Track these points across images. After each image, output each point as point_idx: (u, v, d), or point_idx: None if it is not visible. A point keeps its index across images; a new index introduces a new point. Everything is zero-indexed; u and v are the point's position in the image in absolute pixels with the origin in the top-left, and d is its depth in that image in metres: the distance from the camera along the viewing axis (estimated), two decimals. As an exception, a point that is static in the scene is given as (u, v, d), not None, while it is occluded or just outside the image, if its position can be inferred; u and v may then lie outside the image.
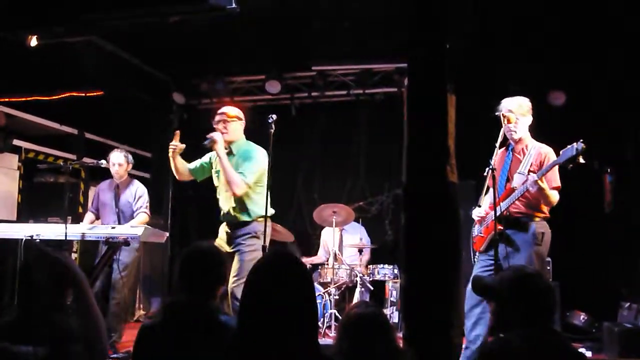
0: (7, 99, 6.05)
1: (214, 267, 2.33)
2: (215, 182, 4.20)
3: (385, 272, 5.75)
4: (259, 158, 4.00)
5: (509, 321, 2.07)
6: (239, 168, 3.95)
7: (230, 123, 4.05)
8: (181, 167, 4.16)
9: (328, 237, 6.09)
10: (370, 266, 5.88)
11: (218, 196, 4.15)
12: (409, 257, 2.62)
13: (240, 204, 3.97)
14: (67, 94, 7.18)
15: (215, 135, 3.94)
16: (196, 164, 4.24)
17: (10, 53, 5.33)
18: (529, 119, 3.85)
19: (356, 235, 6.18)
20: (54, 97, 7.11)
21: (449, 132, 2.65)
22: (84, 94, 7.16)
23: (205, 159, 4.26)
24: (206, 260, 2.33)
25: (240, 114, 4.15)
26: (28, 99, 6.67)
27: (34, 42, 4.84)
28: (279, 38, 5.89)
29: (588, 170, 5.37)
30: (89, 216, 5.13)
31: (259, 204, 3.96)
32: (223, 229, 4.12)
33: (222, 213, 4.11)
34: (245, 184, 3.89)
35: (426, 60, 2.68)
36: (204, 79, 6.87)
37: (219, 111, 4.13)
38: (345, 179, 6.80)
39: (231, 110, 4.13)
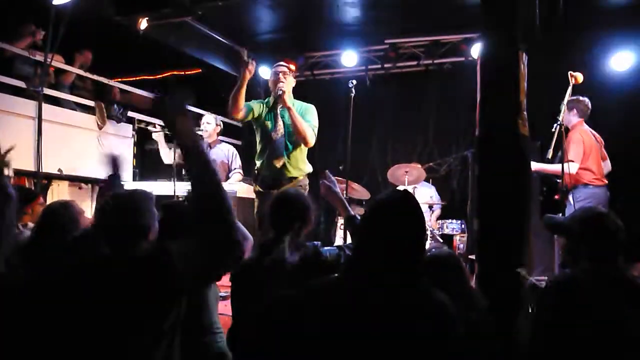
0: (122, 78, 6.43)
1: (300, 209, 2.30)
2: (258, 137, 3.90)
3: (453, 226, 5.72)
4: (316, 113, 3.83)
5: (578, 257, 2.05)
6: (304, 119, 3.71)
7: (290, 75, 3.86)
8: (242, 98, 3.80)
9: (400, 195, 6.10)
10: (440, 221, 5.87)
11: (262, 150, 3.86)
12: (483, 203, 2.59)
13: (294, 160, 3.77)
14: (169, 73, 7.56)
15: (283, 86, 3.72)
16: (245, 103, 3.87)
17: (123, 38, 5.64)
18: None
19: (426, 193, 6.16)
20: (158, 76, 7.52)
21: (520, 88, 2.59)
22: (183, 72, 7.51)
23: (251, 103, 3.92)
24: (293, 203, 2.30)
25: None
26: (138, 78, 7.08)
27: (144, 24, 5.04)
28: (353, 15, 5.88)
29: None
30: None
31: (306, 161, 3.85)
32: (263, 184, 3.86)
33: (269, 168, 3.81)
34: (314, 134, 3.70)
35: (498, 22, 2.61)
36: (286, 55, 6.97)
37: (279, 64, 3.90)
38: (416, 142, 6.74)
39: (291, 65, 3.97)
